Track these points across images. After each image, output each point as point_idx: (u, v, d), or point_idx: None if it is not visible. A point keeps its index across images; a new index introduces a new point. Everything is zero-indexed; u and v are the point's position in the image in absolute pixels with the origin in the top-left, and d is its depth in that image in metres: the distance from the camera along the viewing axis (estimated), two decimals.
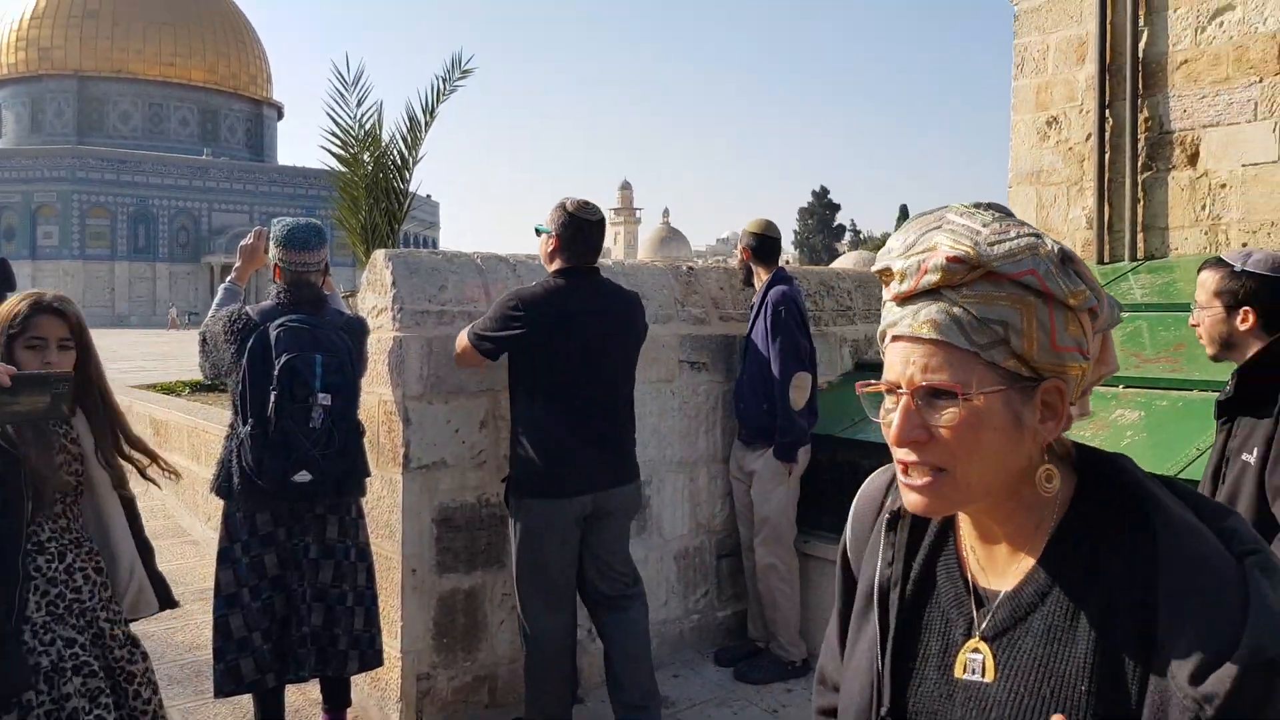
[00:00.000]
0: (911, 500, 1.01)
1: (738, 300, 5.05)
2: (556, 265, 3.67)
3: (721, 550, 4.97)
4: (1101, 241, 6.93)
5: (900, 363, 0.99)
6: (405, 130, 9.02)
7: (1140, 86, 6.85)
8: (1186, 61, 6.62)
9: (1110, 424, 4.11)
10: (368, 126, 8.88)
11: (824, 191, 68.74)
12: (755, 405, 4.61)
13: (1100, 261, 6.86)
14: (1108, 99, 6.99)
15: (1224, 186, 6.44)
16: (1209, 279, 2.65)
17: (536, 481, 3.61)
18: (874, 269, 1.04)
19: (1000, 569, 1.04)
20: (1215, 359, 2.70)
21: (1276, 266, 2.55)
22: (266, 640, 3.58)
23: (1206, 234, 6.53)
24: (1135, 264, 6.55)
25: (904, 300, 0.99)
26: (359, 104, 8.85)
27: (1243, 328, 2.56)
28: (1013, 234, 0.95)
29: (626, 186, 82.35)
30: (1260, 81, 6.21)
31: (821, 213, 68.41)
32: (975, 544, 1.07)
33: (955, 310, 0.95)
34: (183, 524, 7.97)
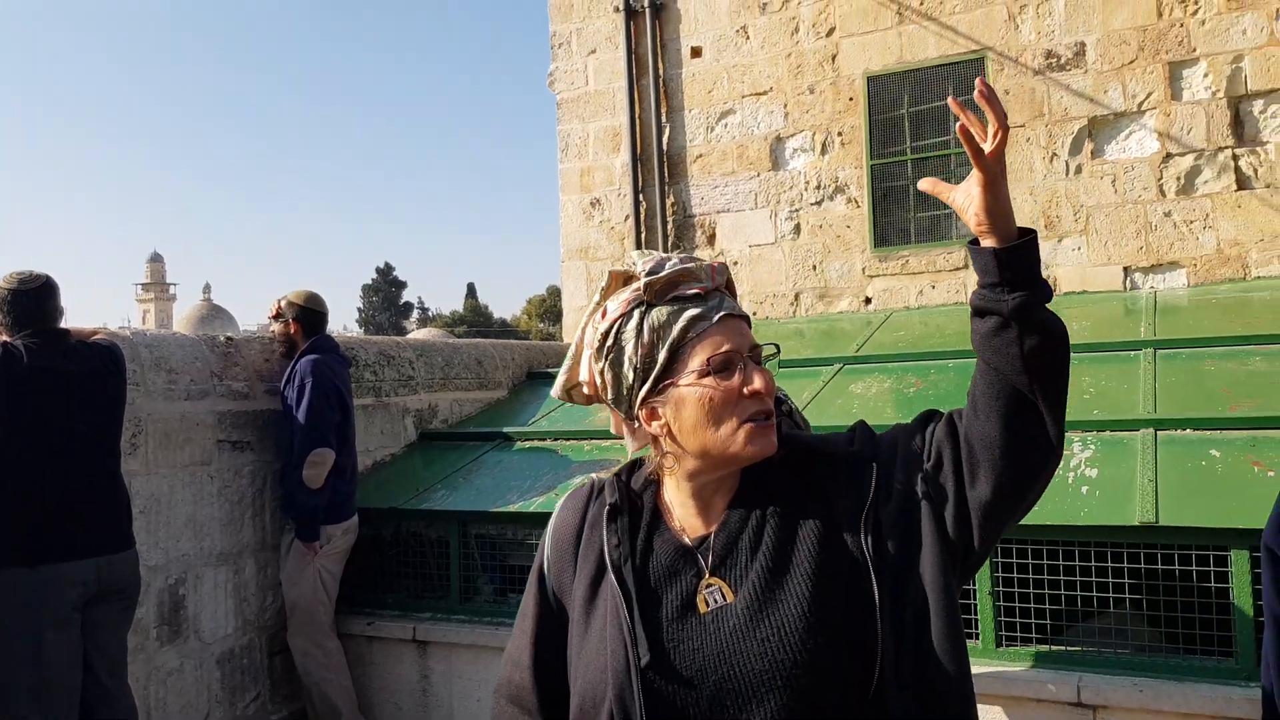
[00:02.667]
0: (770, 442, 1.27)
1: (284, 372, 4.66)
2: (5, 337, 3.45)
3: (274, 647, 4.50)
4: None
5: (736, 334, 1.28)
6: None
7: (667, 174, 7.78)
8: (702, 155, 7.64)
9: None
10: None
11: (389, 268, 68.41)
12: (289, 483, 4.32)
13: None
14: (641, 184, 7.84)
15: (736, 263, 7.47)
16: None
17: (10, 548, 3.19)
18: (666, 274, 1.29)
19: (709, 520, 1.32)
20: None
21: None
22: None
23: None
24: None
25: (706, 295, 1.30)
26: None
27: None
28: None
29: (157, 259, 75.10)
30: (758, 175, 7.35)
31: (387, 289, 67.90)
32: (688, 511, 1.33)
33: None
34: None
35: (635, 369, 1.27)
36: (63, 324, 3.54)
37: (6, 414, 3.23)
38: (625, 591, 1.28)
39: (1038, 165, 6.30)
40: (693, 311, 1.27)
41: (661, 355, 1.26)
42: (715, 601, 1.25)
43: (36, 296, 3.41)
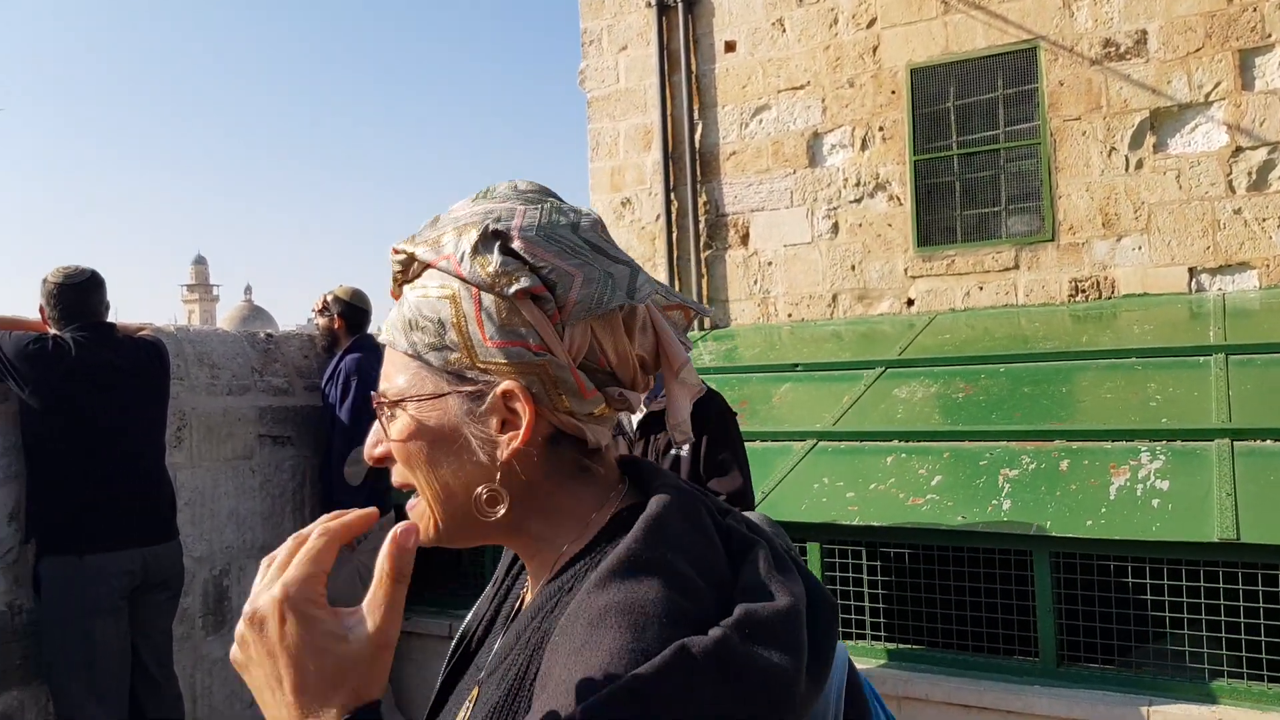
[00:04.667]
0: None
1: (325, 368, 4.80)
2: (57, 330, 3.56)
3: None
4: None
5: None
6: None
7: (699, 173, 7.63)
8: (735, 153, 7.48)
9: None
10: None
11: None
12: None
13: None
14: (672, 183, 7.69)
15: (770, 264, 7.31)
16: None
17: (61, 537, 3.35)
18: None
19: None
20: None
21: None
22: None
23: (759, 306, 7.35)
24: (704, 333, 7.19)
25: None
26: None
27: None
28: (465, 212, 0.81)
29: (201, 261, 76.73)
30: (794, 173, 7.18)
31: None
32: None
33: (403, 310, 0.82)
34: None
35: None
36: (110, 320, 3.65)
37: (55, 406, 3.36)
38: (442, 679, 0.94)
39: (1095, 160, 6.10)
40: None
41: None
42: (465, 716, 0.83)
43: (83, 290, 3.53)
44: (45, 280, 3.51)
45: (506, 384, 0.78)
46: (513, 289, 0.76)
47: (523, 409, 0.77)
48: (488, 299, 0.77)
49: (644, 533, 0.75)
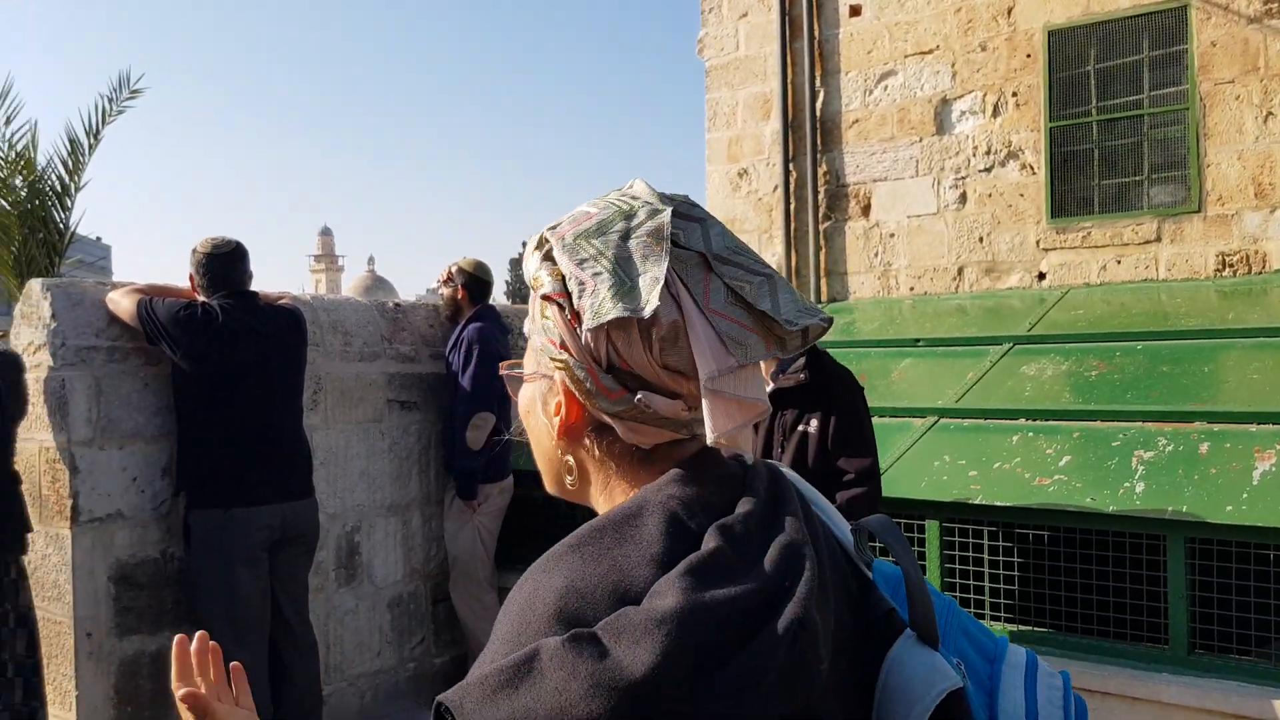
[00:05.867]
0: None
1: (449, 337, 4.95)
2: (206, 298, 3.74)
3: (438, 595, 4.86)
4: None
5: None
6: (65, 154, 8.10)
7: (819, 142, 7.49)
8: (858, 121, 7.31)
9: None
10: (19, 148, 7.90)
11: None
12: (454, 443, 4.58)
13: None
14: (791, 153, 7.57)
15: (893, 236, 7.14)
16: None
17: (209, 491, 3.56)
18: None
19: None
20: None
21: None
22: None
23: (880, 279, 7.20)
24: (821, 306, 7.09)
25: None
26: (7, 122, 7.87)
27: None
28: (571, 222, 0.88)
29: (327, 232, 79.59)
30: (920, 141, 6.98)
31: None
32: None
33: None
34: None
35: None
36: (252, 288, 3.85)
37: (205, 369, 3.56)
38: None
39: (1249, 126, 5.72)
40: None
41: None
42: None
43: (229, 260, 3.73)
44: (194, 250, 3.71)
45: (558, 375, 0.86)
46: (540, 292, 0.84)
47: (564, 398, 0.86)
48: (538, 301, 0.85)
49: (584, 530, 0.82)
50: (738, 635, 0.71)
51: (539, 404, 0.90)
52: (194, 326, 3.52)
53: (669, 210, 0.84)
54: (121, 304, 3.62)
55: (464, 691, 0.72)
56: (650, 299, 0.79)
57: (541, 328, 0.86)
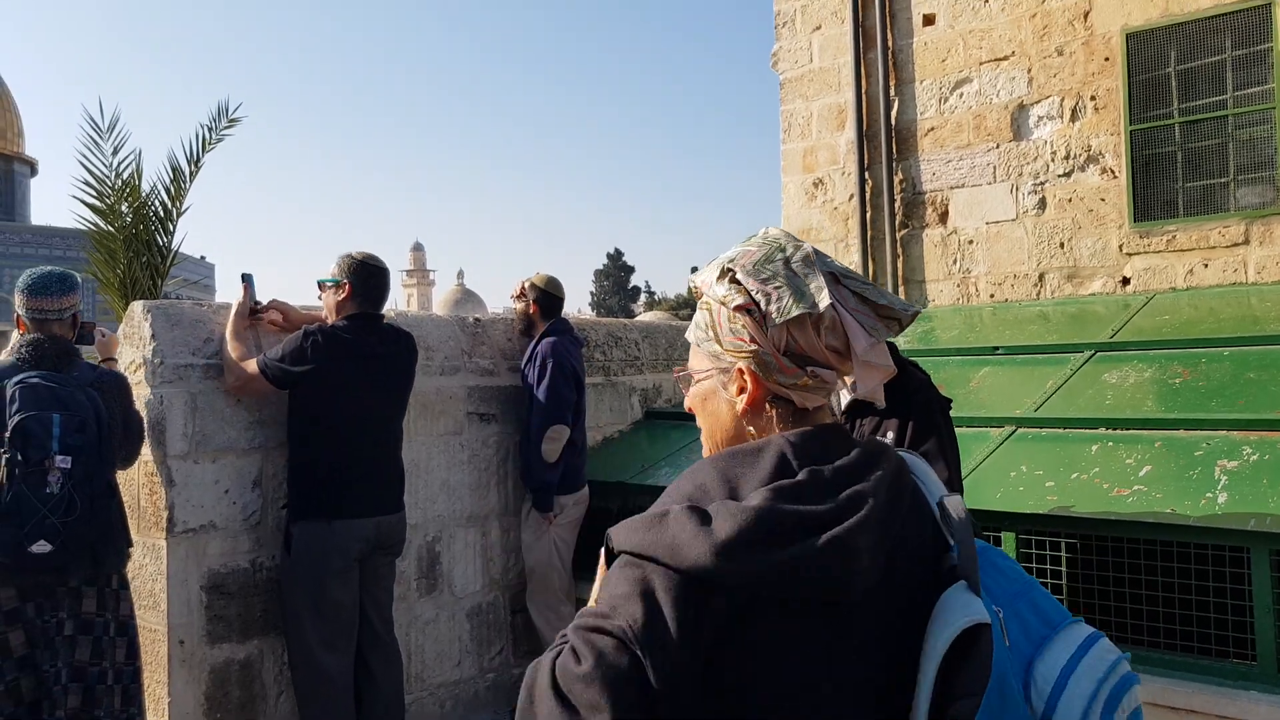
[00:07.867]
0: None
1: (524, 351, 5.02)
2: (347, 311, 3.85)
3: (516, 605, 4.91)
4: None
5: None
6: (168, 180, 8.50)
7: (895, 151, 7.44)
8: (934, 129, 7.25)
9: None
10: (125, 175, 8.29)
11: (618, 254, 70.20)
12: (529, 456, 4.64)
13: None
14: (866, 162, 7.54)
15: (971, 242, 7.05)
16: None
17: (314, 504, 3.67)
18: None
19: None
20: None
21: None
22: None
23: (959, 286, 7.11)
24: None
25: None
26: (115, 151, 8.26)
27: None
28: (724, 255, 1.23)
29: (419, 248, 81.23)
30: (997, 147, 6.89)
31: (617, 274, 69.66)
32: None
33: (695, 317, 1.27)
34: None
35: None
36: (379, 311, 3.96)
37: (324, 391, 3.69)
38: None
39: None
40: None
41: None
42: None
43: (379, 275, 3.93)
44: (350, 256, 3.88)
45: (740, 364, 1.19)
46: (732, 305, 1.18)
47: (749, 380, 1.19)
48: (723, 311, 1.20)
49: (726, 450, 1.20)
50: (790, 536, 1.05)
51: (719, 390, 1.23)
52: (318, 356, 3.64)
53: (808, 245, 1.22)
54: (245, 372, 3.71)
55: (620, 526, 1.14)
56: (821, 299, 1.15)
57: (730, 330, 1.19)
